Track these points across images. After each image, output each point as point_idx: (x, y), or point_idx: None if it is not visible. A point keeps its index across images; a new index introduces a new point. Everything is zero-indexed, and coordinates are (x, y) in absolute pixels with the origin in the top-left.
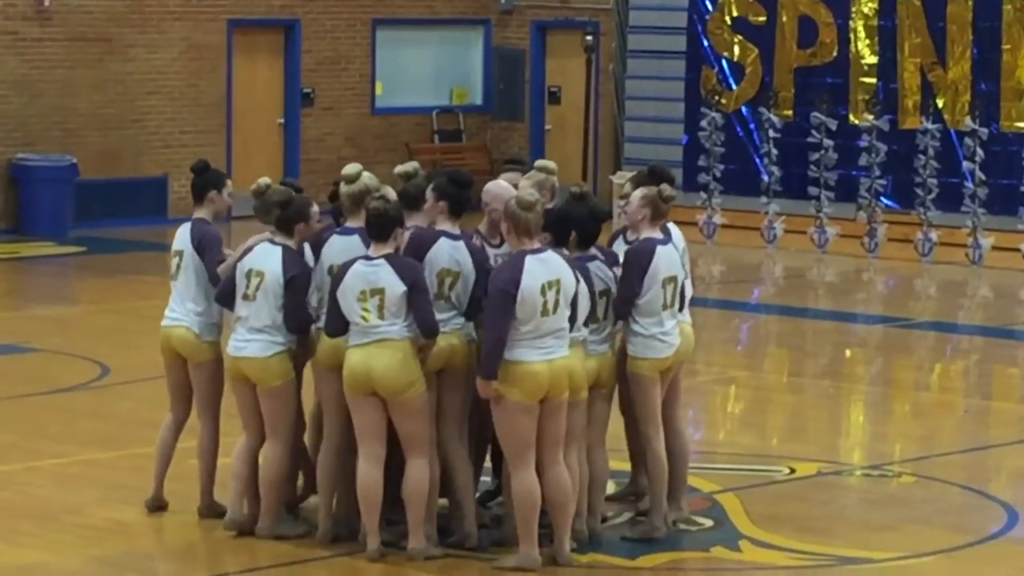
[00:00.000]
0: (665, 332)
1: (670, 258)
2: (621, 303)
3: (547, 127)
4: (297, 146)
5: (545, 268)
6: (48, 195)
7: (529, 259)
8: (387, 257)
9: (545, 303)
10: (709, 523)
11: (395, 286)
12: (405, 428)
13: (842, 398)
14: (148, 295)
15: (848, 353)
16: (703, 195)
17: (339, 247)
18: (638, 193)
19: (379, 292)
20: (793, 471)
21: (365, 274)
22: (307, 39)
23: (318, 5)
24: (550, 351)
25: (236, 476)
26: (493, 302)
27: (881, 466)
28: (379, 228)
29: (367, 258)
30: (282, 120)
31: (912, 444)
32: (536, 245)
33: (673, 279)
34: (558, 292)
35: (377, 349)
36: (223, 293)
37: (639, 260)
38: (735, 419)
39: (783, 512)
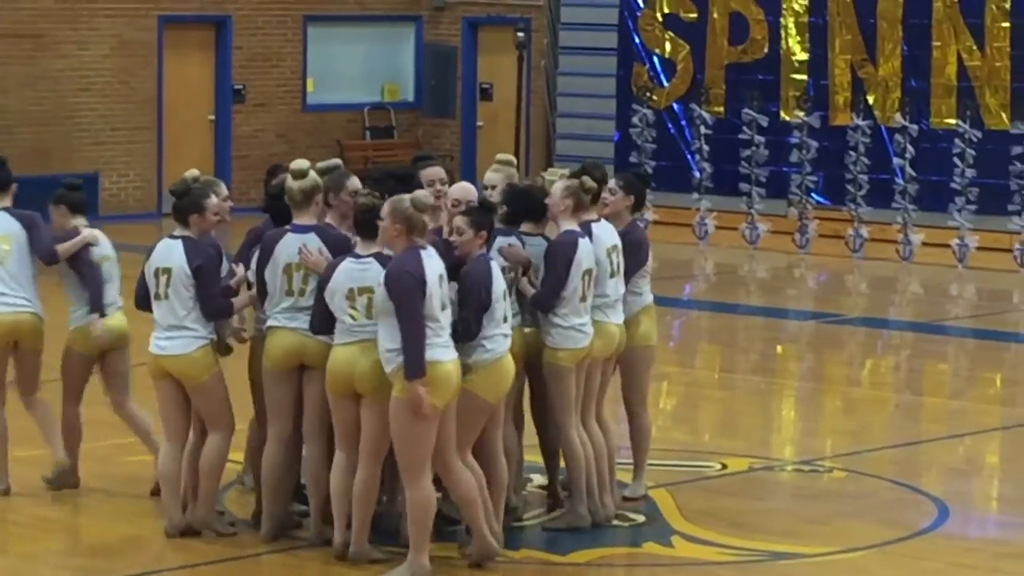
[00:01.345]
0: (583, 323)
1: (588, 251)
2: (549, 296)
3: (479, 124)
4: (228, 143)
5: (435, 263)
6: None
7: (423, 253)
8: (376, 256)
9: (442, 296)
10: (641, 519)
11: None
12: (371, 432)
13: (773, 394)
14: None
15: (779, 349)
16: None
17: (295, 245)
18: (560, 184)
19: (367, 291)
20: (725, 467)
21: (353, 272)
22: (238, 35)
23: (249, 1)
24: (453, 350)
25: (166, 479)
26: (407, 295)
27: (812, 461)
28: (367, 225)
29: (356, 256)
30: (213, 117)
31: (843, 439)
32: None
33: (589, 271)
34: (445, 286)
35: (362, 348)
36: (140, 297)
37: (564, 252)
38: (667, 415)
39: (715, 508)
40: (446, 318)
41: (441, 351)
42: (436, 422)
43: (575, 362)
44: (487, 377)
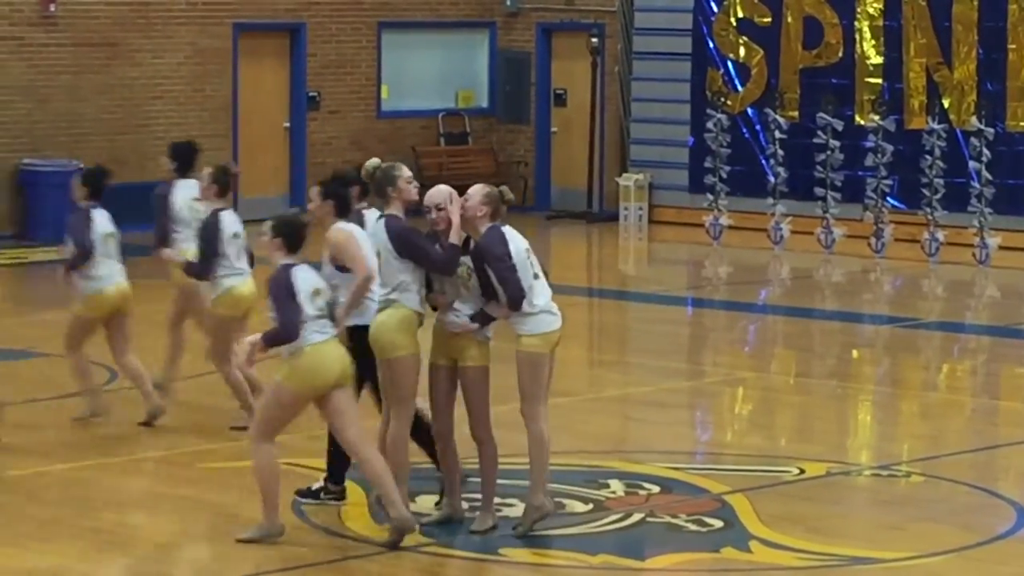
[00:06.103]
0: (549, 304)
1: (516, 236)
2: (516, 289)
3: (553, 129)
4: (303, 150)
5: None
6: (55, 200)
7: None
8: None
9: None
10: (719, 524)
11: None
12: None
13: (850, 398)
14: (155, 300)
15: (855, 353)
16: (709, 197)
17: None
18: (480, 192)
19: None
20: (802, 471)
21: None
22: (312, 43)
23: (323, 9)
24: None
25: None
26: None
27: (890, 466)
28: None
29: None
30: (288, 124)
31: (920, 444)
32: None
33: (528, 249)
34: None
35: None
36: None
37: (502, 246)
38: (743, 420)
39: (793, 512)
40: None
41: None
42: None
43: (550, 348)
44: None
